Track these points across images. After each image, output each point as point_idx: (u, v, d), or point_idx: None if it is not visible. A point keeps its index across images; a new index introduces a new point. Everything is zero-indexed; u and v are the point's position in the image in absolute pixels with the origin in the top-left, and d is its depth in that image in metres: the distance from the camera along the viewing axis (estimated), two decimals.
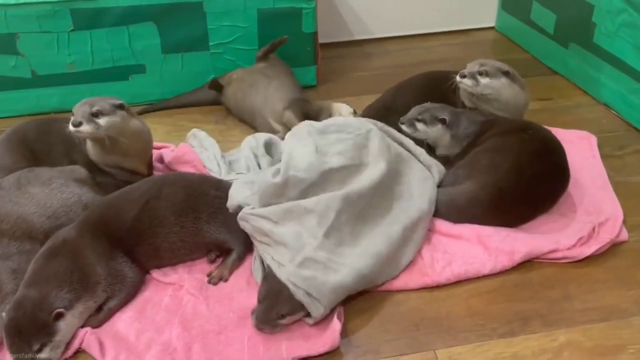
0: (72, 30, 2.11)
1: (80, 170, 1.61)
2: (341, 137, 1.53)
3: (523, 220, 1.53)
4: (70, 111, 1.54)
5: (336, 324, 1.24)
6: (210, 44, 2.22)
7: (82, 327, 1.27)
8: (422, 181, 1.56)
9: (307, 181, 1.41)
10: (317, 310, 1.22)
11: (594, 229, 1.48)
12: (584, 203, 1.59)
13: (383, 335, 1.26)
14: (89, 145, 1.65)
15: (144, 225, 1.39)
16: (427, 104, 1.76)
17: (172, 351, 1.22)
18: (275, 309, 1.22)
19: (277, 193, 1.40)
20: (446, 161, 1.68)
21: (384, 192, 1.47)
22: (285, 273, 1.26)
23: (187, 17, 2.16)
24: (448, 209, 1.52)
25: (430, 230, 1.50)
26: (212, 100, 2.22)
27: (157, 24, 2.15)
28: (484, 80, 1.73)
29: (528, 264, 1.42)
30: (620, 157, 1.86)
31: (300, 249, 1.30)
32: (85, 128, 1.51)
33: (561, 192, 1.54)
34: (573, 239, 1.44)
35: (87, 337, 1.24)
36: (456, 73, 1.94)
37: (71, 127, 1.52)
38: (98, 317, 1.30)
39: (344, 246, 1.35)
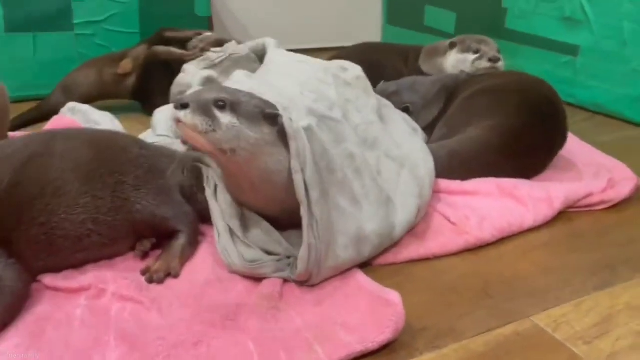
0: None
1: None
2: None
3: (535, 170, 1.25)
4: None
5: (391, 294, 0.79)
6: (75, 22, 1.69)
7: None
8: (408, 134, 1.21)
9: None
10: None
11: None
12: (578, 159, 1.37)
13: (449, 311, 0.83)
14: None
15: (27, 194, 0.81)
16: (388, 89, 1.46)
17: None
18: (215, 93, 0.85)
19: None
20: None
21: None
22: None
23: None
24: (451, 163, 1.18)
25: (438, 192, 1.14)
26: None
27: None
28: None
29: (564, 215, 1.13)
30: (572, 124, 1.70)
31: None
32: None
33: (565, 137, 1.30)
34: (603, 182, 1.19)
35: None
36: (392, 45, 1.72)
37: None
38: None
39: None
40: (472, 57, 1.50)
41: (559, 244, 1.03)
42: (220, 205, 0.96)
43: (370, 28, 2.83)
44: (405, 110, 1.39)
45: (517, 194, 1.12)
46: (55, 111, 1.58)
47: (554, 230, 1.08)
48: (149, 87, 1.60)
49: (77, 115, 1.27)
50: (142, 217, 0.89)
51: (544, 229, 1.08)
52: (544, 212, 1.09)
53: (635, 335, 0.79)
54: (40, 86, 1.69)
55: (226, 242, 0.90)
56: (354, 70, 1.28)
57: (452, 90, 1.40)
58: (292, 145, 0.85)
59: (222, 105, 0.82)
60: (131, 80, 1.61)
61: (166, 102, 1.51)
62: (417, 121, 1.37)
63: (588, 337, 0.79)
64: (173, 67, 1.57)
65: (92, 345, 0.71)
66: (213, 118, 0.81)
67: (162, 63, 1.56)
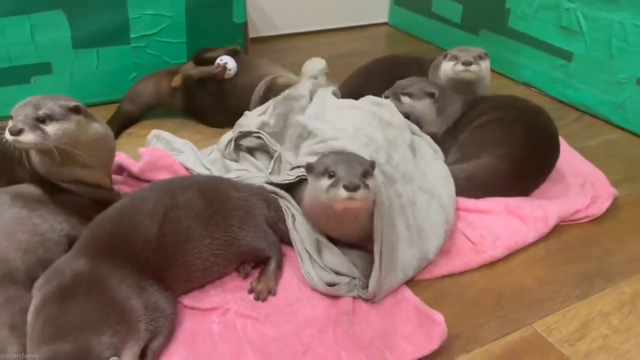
0: None
1: (30, 190, 1.24)
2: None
3: (535, 188, 1.55)
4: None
5: (436, 315, 1.11)
6: (132, 36, 1.90)
7: None
8: (433, 158, 1.51)
9: None
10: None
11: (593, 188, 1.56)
12: (566, 170, 1.66)
13: (473, 321, 1.16)
14: (35, 157, 1.26)
15: (171, 242, 1.10)
16: (414, 78, 1.70)
17: None
18: (358, 163, 1.12)
19: None
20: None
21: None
22: None
23: (104, 3, 1.82)
24: (469, 185, 1.48)
25: (457, 209, 1.44)
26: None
27: (66, 12, 1.78)
28: (484, 64, 1.74)
29: (556, 228, 1.44)
30: (564, 126, 2.00)
31: None
32: (28, 137, 1.14)
33: (558, 156, 1.59)
34: (587, 199, 1.50)
35: None
36: (413, 57, 1.94)
37: (8, 136, 1.15)
38: None
39: None
40: (451, 63, 1.73)
41: (553, 258, 1.35)
42: (300, 234, 1.26)
43: (377, 8, 3.02)
44: (431, 95, 1.63)
45: (521, 214, 1.42)
46: (128, 119, 1.84)
47: (547, 245, 1.39)
48: (196, 105, 1.85)
49: (162, 142, 1.53)
50: (247, 250, 1.19)
51: (540, 242, 1.40)
52: (541, 229, 1.41)
53: (604, 338, 1.13)
54: (103, 94, 1.92)
55: (308, 267, 1.21)
56: (387, 103, 1.56)
57: (465, 112, 1.67)
58: (378, 199, 1.15)
59: (366, 174, 1.10)
60: (180, 95, 1.85)
61: (215, 118, 1.84)
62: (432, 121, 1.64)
63: (572, 340, 1.13)
64: (207, 84, 1.81)
65: (236, 357, 1.02)
66: (368, 187, 1.09)
67: (198, 82, 1.80)
